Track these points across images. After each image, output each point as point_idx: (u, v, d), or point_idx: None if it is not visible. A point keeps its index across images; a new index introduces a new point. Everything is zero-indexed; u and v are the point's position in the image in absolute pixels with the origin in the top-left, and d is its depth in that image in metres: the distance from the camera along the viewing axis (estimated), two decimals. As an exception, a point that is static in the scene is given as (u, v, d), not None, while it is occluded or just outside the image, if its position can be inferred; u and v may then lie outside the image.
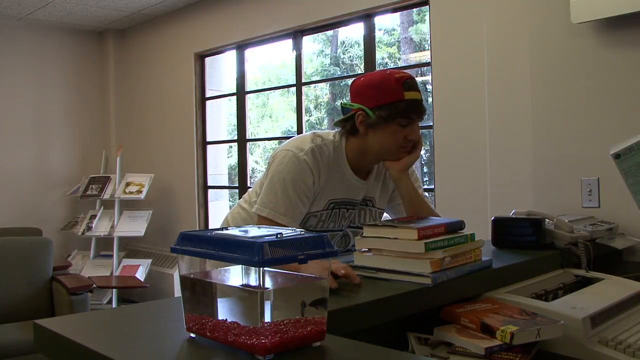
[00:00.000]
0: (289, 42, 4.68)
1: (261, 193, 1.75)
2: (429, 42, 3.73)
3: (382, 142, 1.74)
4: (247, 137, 5.26)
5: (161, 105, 5.76)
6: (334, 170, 1.79)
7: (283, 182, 1.70)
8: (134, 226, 5.36)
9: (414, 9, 5.08)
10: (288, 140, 1.84)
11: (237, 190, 5.45)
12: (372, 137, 1.74)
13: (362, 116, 1.73)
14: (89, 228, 5.42)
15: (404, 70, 1.85)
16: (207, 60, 5.49)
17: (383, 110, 1.70)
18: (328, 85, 8.57)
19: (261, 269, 0.84)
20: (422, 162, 6.77)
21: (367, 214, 1.92)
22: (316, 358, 0.87)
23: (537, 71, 2.61)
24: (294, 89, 4.86)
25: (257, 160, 8.90)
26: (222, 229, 0.98)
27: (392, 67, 7.80)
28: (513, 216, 1.91)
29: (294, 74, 4.73)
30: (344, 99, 1.88)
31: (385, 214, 2.02)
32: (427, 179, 6.49)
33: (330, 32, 7.96)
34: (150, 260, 5.41)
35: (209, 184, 5.52)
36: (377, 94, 1.71)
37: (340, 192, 1.81)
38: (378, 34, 6.05)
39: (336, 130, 1.84)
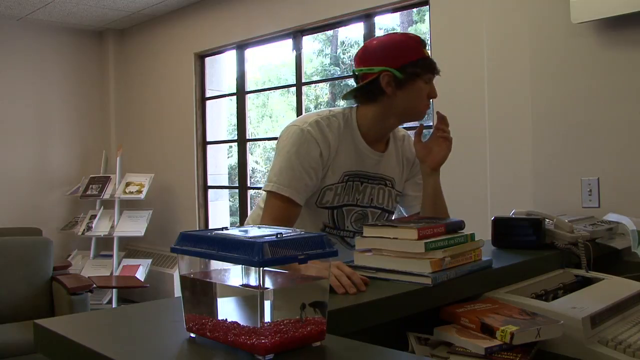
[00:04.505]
0: (289, 42, 4.68)
1: (270, 168, 1.73)
2: (429, 42, 3.73)
3: (410, 101, 1.72)
4: (247, 137, 5.26)
5: (161, 105, 5.76)
6: (344, 140, 1.76)
7: (287, 155, 1.68)
8: (134, 226, 5.36)
9: (414, 9, 5.08)
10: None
11: (237, 190, 5.45)
12: (400, 97, 1.71)
13: (388, 77, 1.69)
14: (89, 228, 5.42)
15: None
16: (207, 60, 5.49)
17: (409, 68, 1.69)
18: (328, 85, 8.57)
19: (261, 269, 0.84)
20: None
21: (387, 194, 1.87)
22: (316, 358, 0.87)
23: (537, 71, 2.61)
24: (294, 89, 4.86)
25: (257, 160, 8.90)
26: (222, 228, 0.98)
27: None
28: (513, 216, 1.91)
29: (294, 74, 4.72)
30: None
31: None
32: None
33: (330, 32, 7.96)
34: (150, 260, 5.41)
35: (209, 184, 5.52)
36: (401, 53, 1.70)
37: (354, 164, 1.78)
38: (378, 34, 6.04)
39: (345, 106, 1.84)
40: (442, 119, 1.81)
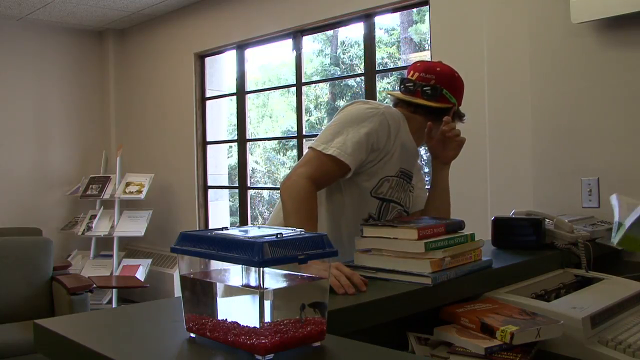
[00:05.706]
0: (289, 42, 4.68)
1: (324, 132, 1.69)
2: (429, 42, 3.73)
3: (436, 132, 1.83)
4: (247, 137, 5.26)
5: (161, 105, 5.77)
6: (403, 135, 1.79)
7: (357, 128, 1.66)
8: (134, 226, 5.36)
9: (414, 9, 5.08)
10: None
11: (237, 190, 5.45)
12: (438, 127, 1.81)
13: (453, 111, 1.86)
14: (89, 228, 5.42)
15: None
16: (207, 60, 5.49)
17: (459, 110, 1.91)
18: (328, 85, 8.57)
19: (261, 269, 0.84)
20: (423, 162, 6.77)
21: (410, 196, 1.91)
22: (316, 358, 0.87)
23: (537, 71, 2.61)
24: (294, 88, 4.86)
25: (257, 160, 8.90)
26: (222, 228, 0.98)
27: (391, 67, 7.79)
28: (513, 216, 1.91)
29: (294, 74, 4.73)
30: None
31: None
32: (427, 178, 6.49)
33: (330, 32, 7.96)
34: (150, 260, 5.42)
35: (209, 184, 5.52)
36: (462, 95, 1.91)
37: (406, 161, 1.82)
38: (378, 34, 6.05)
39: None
40: (448, 125, 1.84)
